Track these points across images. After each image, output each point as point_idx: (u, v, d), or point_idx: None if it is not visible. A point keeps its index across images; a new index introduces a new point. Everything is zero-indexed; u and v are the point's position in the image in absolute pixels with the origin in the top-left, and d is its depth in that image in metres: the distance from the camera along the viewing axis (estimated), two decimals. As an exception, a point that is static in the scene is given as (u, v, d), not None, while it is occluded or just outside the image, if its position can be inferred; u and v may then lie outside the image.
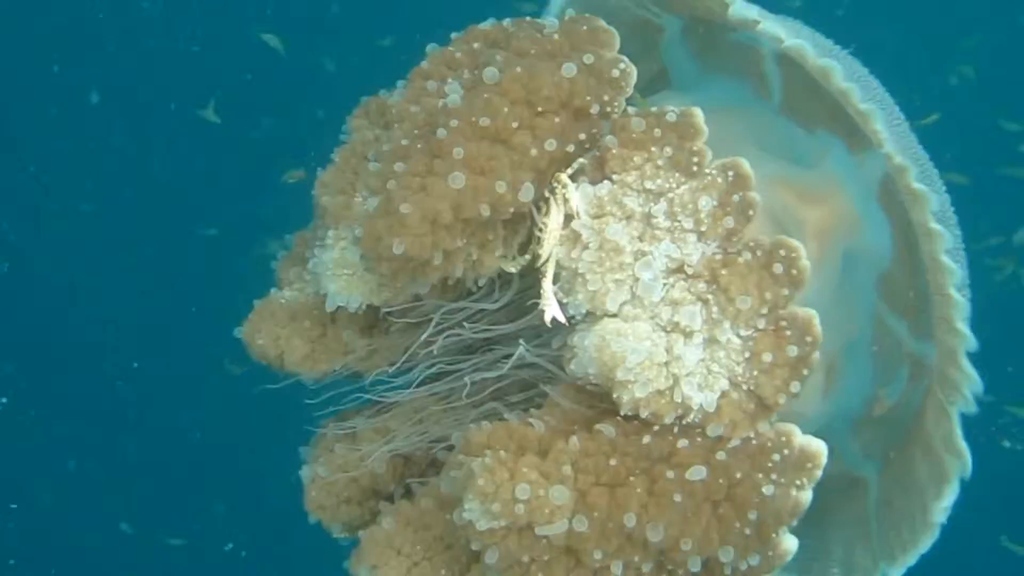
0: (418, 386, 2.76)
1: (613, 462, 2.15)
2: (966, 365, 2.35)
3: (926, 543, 2.56)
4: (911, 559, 2.60)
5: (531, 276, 2.48)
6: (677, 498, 2.11)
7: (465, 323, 2.62)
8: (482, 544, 2.15)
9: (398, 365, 2.71)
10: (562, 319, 2.26)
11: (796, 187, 2.42)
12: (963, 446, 2.42)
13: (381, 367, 2.75)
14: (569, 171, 2.21)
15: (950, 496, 2.46)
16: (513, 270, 2.30)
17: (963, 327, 2.31)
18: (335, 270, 2.44)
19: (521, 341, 2.54)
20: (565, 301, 2.27)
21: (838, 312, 2.39)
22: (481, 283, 2.45)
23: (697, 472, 2.14)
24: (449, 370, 2.76)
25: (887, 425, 2.63)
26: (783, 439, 2.23)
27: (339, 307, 2.64)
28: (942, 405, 2.43)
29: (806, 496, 2.25)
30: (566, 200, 2.18)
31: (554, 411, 2.30)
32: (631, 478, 2.14)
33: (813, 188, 2.46)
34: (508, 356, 2.67)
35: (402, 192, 2.12)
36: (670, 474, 2.13)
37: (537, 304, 2.37)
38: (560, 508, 2.10)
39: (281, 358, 2.66)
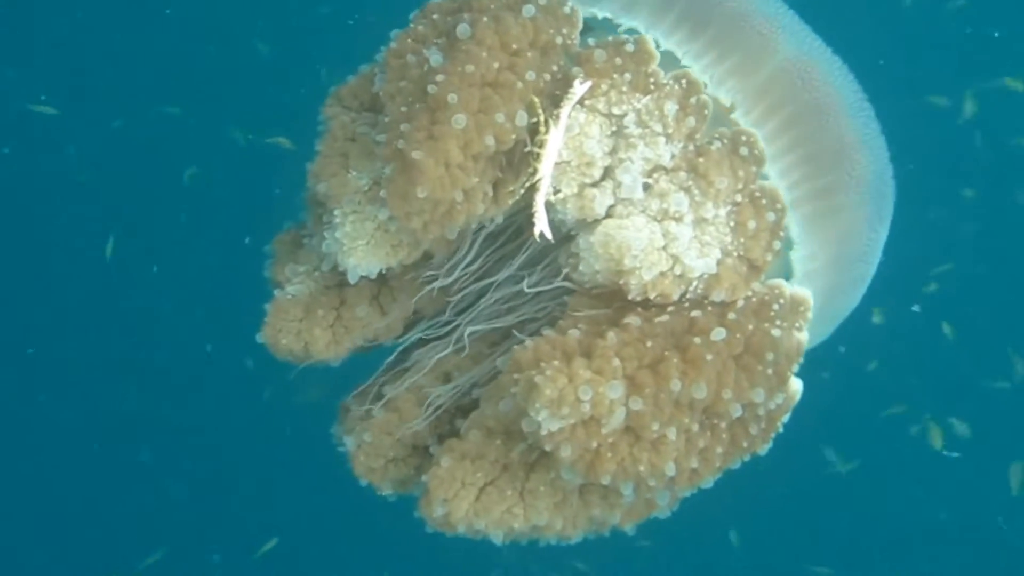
0: (431, 341, 3.01)
1: (649, 344, 2.45)
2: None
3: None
4: None
5: (515, 228, 2.78)
6: (709, 357, 2.43)
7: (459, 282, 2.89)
8: (555, 443, 2.42)
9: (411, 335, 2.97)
10: (549, 235, 2.53)
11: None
12: None
13: (396, 333, 2.98)
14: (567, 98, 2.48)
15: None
16: (519, 195, 2.54)
17: None
18: (349, 244, 2.65)
19: (525, 287, 2.84)
20: (558, 218, 2.56)
21: None
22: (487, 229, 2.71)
23: (718, 333, 2.46)
24: (457, 322, 3.02)
25: None
26: (776, 292, 2.58)
27: (347, 288, 2.86)
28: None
29: (804, 336, 2.61)
30: (556, 120, 2.45)
31: (577, 320, 2.58)
32: (665, 353, 2.45)
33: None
34: (505, 302, 2.95)
35: (412, 145, 2.38)
36: (697, 340, 2.45)
37: (527, 244, 2.65)
38: (617, 400, 2.39)
39: (307, 350, 2.86)
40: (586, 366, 2.41)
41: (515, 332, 2.86)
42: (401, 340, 3.05)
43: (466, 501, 2.61)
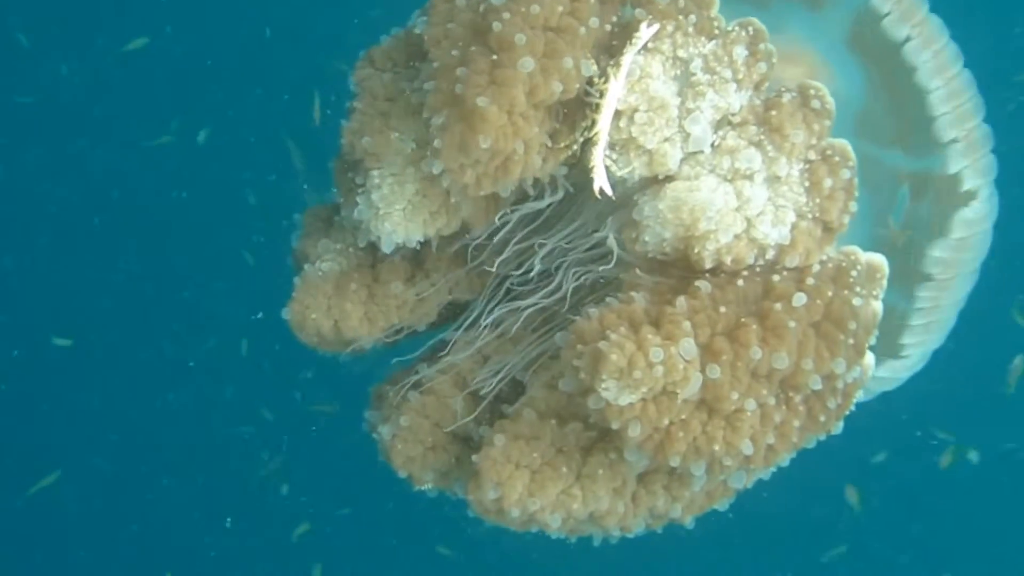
0: (467, 326, 2.82)
1: (723, 310, 2.27)
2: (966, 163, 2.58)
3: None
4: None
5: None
6: (791, 324, 2.25)
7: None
8: (623, 420, 2.22)
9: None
10: (610, 192, 2.35)
11: None
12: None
13: (430, 318, 2.79)
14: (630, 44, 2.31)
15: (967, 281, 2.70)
16: (575, 148, 2.35)
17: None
18: (385, 208, 2.46)
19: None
20: (621, 175, 2.36)
21: None
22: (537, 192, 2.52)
23: (799, 299, 2.28)
24: (495, 304, 2.83)
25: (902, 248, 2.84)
26: (852, 258, 2.40)
27: (380, 266, 2.67)
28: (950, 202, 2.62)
29: (880, 306, 2.43)
30: (618, 67, 2.27)
31: (639, 290, 2.40)
32: (742, 320, 2.26)
33: (784, 52, 2.65)
34: (546, 281, 2.76)
35: (473, 91, 2.17)
36: (778, 306, 2.26)
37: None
38: (692, 362, 2.20)
39: (337, 328, 2.65)
40: (655, 332, 2.23)
41: (560, 311, 2.69)
42: (436, 326, 2.87)
43: (520, 482, 2.41)
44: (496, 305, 2.80)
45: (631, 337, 2.21)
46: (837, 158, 2.36)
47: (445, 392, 2.71)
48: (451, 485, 2.75)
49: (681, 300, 2.28)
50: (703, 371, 2.21)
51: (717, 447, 2.26)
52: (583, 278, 2.65)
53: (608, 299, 2.37)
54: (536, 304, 2.73)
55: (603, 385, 2.19)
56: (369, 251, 2.71)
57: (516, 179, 2.32)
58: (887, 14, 2.49)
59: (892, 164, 2.74)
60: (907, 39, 2.49)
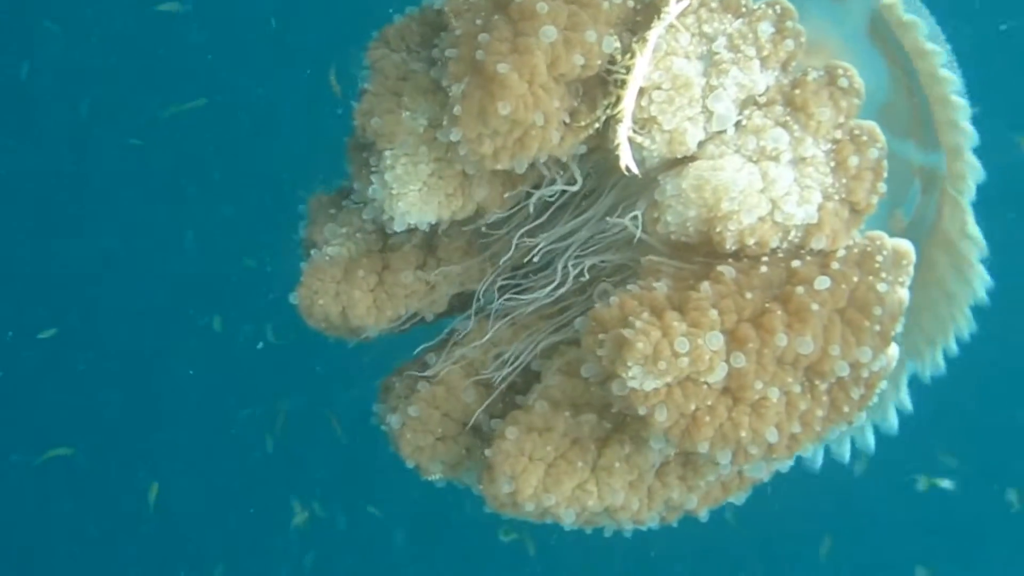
0: (478, 315, 2.75)
1: (749, 296, 2.20)
2: (971, 157, 2.55)
3: (952, 335, 2.73)
4: (938, 354, 2.76)
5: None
6: (814, 307, 2.18)
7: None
8: (649, 405, 2.15)
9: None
10: (635, 169, 2.28)
11: None
12: (978, 233, 2.61)
13: (440, 307, 2.71)
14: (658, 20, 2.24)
15: (975, 280, 2.64)
16: (597, 126, 2.29)
17: (966, 124, 2.51)
18: (399, 188, 2.38)
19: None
20: (642, 154, 2.30)
21: None
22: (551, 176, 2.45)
23: (822, 282, 2.21)
24: (507, 293, 2.76)
25: None
26: (878, 243, 2.33)
27: (390, 253, 2.59)
28: (956, 200, 2.61)
29: (906, 293, 2.36)
30: (643, 43, 2.21)
31: (660, 275, 2.33)
32: (767, 305, 2.20)
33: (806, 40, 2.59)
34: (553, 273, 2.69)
35: (494, 57, 2.11)
36: (800, 290, 2.19)
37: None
38: (718, 353, 2.13)
39: (344, 314, 2.57)
40: (680, 319, 2.16)
41: (575, 299, 2.62)
42: (446, 316, 2.79)
43: (535, 476, 2.33)
44: (508, 293, 2.73)
45: (655, 323, 2.14)
46: (865, 137, 2.29)
47: (455, 382, 2.63)
48: (460, 476, 2.67)
49: (705, 285, 2.21)
50: (728, 360, 2.15)
51: (744, 433, 2.19)
52: (598, 265, 2.59)
53: (628, 285, 2.30)
54: (549, 292, 2.66)
55: (629, 373, 2.12)
56: (378, 237, 2.64)
57: (534, 154, 2.25)
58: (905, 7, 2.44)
59: (905, 156, 2.69)
60: (924, 31, 2.44)
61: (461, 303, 2.80)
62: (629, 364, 2.11)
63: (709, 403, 2.17)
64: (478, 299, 2.75)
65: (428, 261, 2.65)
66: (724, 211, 2.23)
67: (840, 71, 2.30)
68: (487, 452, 2.39)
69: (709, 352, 2.12)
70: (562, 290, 2.64)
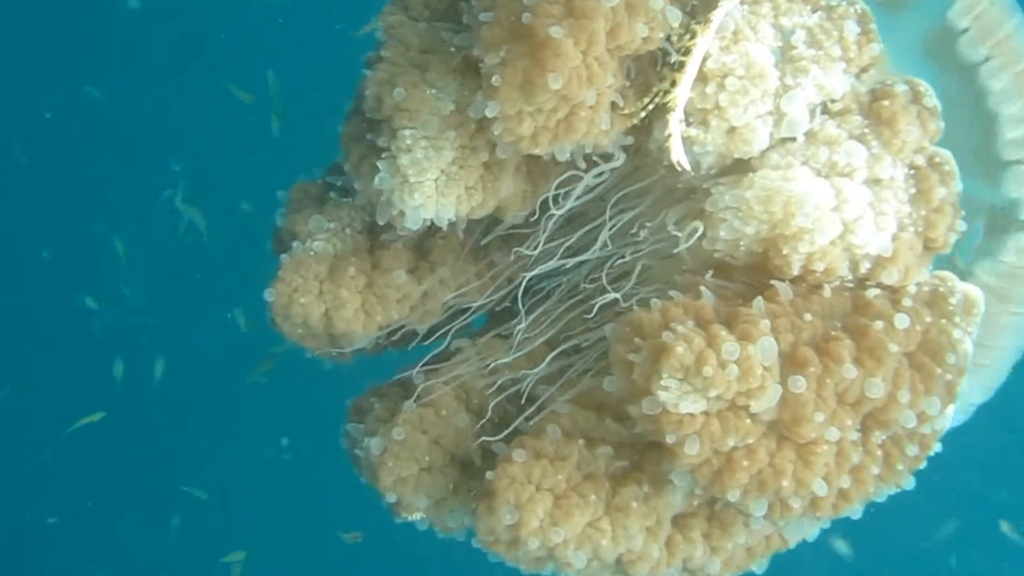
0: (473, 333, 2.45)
1: (808, 318, 1.91)
2: None
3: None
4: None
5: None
6: (893, 348, 1.89)
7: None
8: (679, 434, 1.84)
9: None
10: (687, 164, 2.00)
11: None
12: None
13: (434, 314, 2.39)
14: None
15: None
16: (650, 108, 2.00)
17: None
18: (416, 176, 2.04)
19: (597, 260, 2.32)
20: (695, 151, 2.02)
21: None
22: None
23: (902, 320, 1.93)
24: (509, 310, 2.46)
25: None
26: (949, 284, 2.07)
27: (380, 252, 2.28)
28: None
29: (971, 347, 2.09)
30: (706, 25, 1.94)
31: (699, 295, 2.02)
32: (832, 332, 1.91)
33: None
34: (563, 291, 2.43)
35: (544, 20, 1.81)
36: (878, 324, 1.91)
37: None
38: (771, 369, 1.83)
39: (328, 318, 2.23)
40: (728, 332, 1.86)
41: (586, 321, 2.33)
42: (435, 333, 2.47)
43: (542, 507, 2.00)
44: (510, 310, 2.45)
45: (700, 332, 1.84)
46: (947, 167, 2.03)
47: (447, 405, 2.30)
48: (445, 517, 2.31)
49: (759, 300, 1.92)
50: (783, 383, 1.84)
51: (786, 483, 1.88)
52: (618, 283, 2.29)
53: (671, 292, 2.01)
54: (557, 311, 2.38)
55: (662, 383, 1.81)
56: (368, 234, 2.31)
57: (580, 139, 1.94)
58: (965, 30, 2.18)
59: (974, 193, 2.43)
60: (985, 59, 2.17)
61: (455, 318, 2.48)
62: (665, 375, 1.81)
63: (750, 441, 1.86)
64: (475, 315, 2.45)
65: (420, 265, 2.33)
66: (795, 229, 1.94)
67: (923, 88, 2.05)
68: (488, 475, 2.06)
69: (761, 365, 1.82)
70: (568, 314, 2.38)
